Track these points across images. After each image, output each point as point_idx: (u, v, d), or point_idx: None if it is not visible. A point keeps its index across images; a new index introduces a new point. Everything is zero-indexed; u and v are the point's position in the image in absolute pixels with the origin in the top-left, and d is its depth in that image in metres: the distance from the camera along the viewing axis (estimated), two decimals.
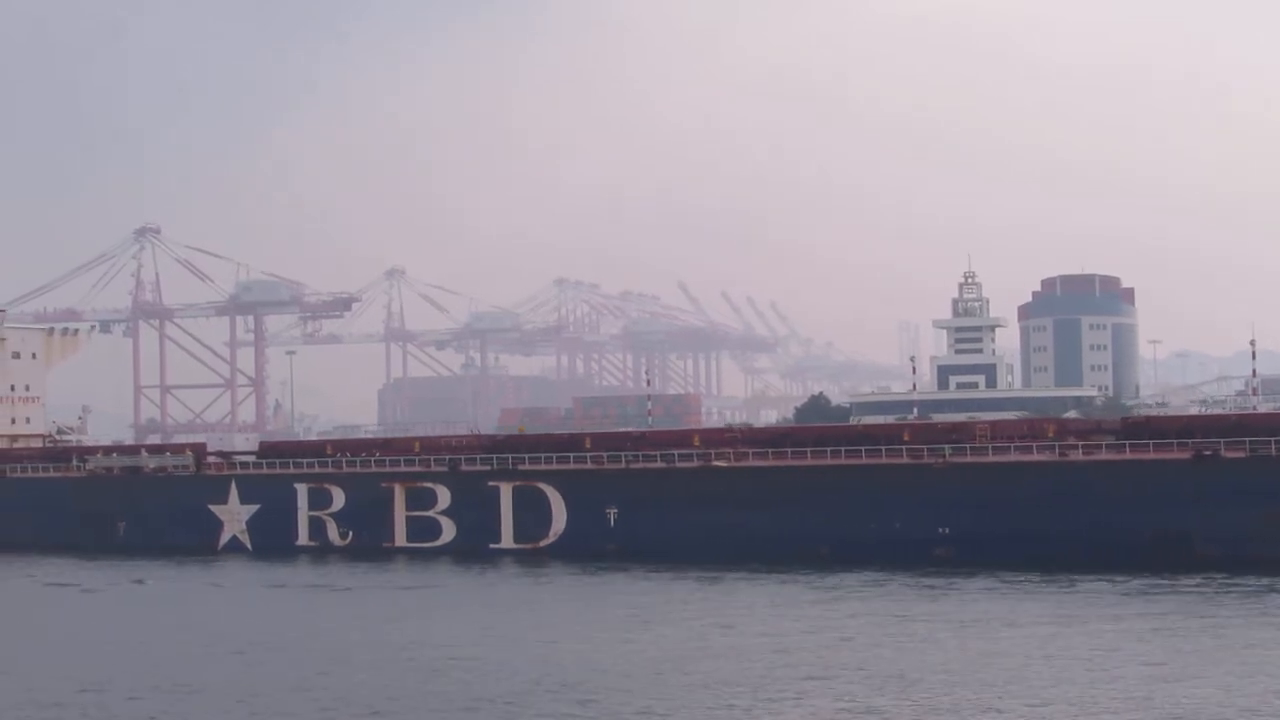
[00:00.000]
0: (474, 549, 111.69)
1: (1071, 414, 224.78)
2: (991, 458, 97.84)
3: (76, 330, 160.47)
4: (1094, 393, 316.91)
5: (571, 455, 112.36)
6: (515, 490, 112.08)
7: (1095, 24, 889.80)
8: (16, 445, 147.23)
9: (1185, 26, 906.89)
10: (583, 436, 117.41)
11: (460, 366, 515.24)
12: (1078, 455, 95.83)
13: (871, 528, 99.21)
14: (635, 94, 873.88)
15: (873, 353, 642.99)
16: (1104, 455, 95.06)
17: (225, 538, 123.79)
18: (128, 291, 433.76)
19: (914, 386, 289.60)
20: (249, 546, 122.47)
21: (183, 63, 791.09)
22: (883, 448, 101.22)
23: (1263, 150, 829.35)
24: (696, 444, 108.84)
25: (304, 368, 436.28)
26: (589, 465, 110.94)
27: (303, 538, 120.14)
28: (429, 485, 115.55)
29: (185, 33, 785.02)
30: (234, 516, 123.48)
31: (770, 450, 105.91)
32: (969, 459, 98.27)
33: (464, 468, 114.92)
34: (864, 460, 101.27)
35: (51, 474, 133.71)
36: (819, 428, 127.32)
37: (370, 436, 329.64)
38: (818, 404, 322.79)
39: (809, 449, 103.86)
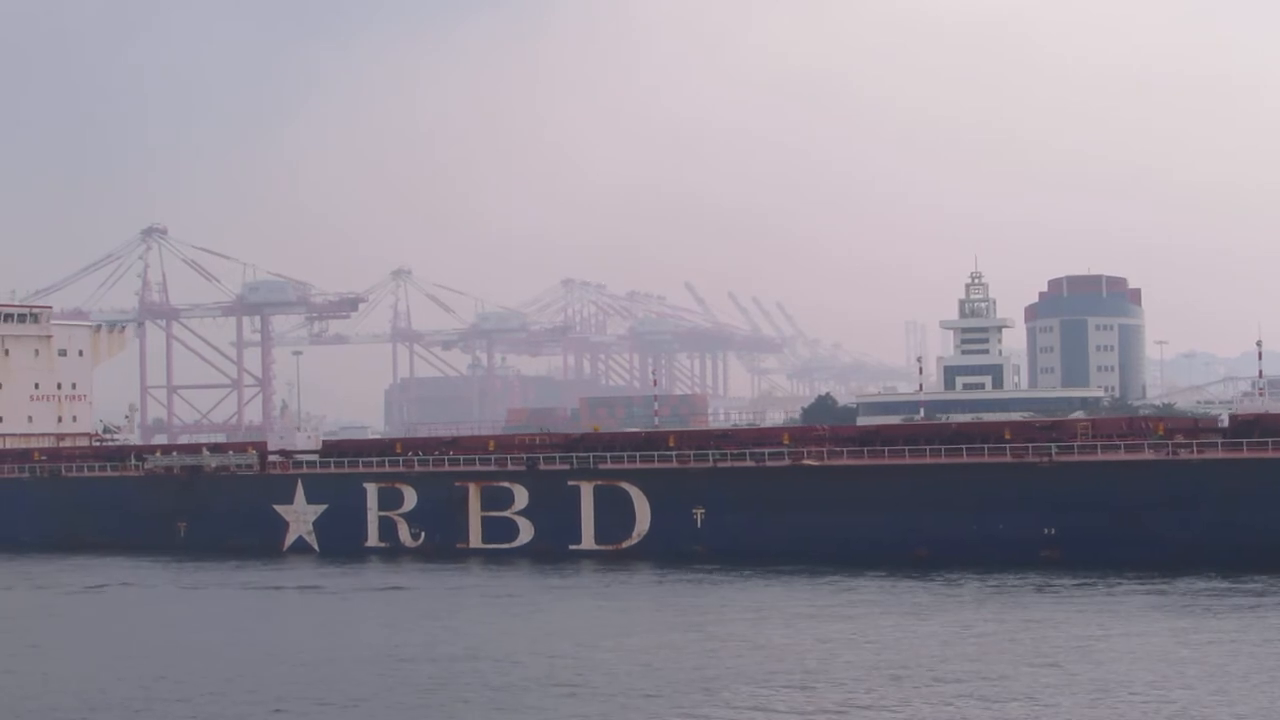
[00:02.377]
0: (553, 550, 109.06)
1: (1078, 414, 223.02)
2: (1101, 456, 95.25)
3: (124, 327, 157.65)
4: (1100, 393, 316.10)
5: (656, 454, 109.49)
6: (596, 490, 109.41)
7: (1104, 22, 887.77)
8: (64, 444, 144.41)
9: (1195, 25, 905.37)
10: (666, 434, 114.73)
11: (467, 367, 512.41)
12: (1190, 454, 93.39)
13: (973, 529, 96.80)
14: (644, 92, 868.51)
15: (879, 353, 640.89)
16: (1220, 454, 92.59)
17: (291, 538, 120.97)
18: (134, 292, 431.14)
19: (920, 387, 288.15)
20: (315, 547, 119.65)
21: (190, 62, 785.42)
22: (985, 447, 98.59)
23: (1272, 147, 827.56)
24: (786, 442, 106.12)
25: (310, 368, 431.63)
26: (674, 464, 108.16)
27: (373, 539, 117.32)
28: (505, 485, 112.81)
29: (193, 32, 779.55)
30: (300, 517, 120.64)
31: (866, 449, 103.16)
32: (1077, 457, 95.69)
33: (542, 466, 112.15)
34: (965, 459, 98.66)
35: (109, 473, 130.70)
36: (911, 426, 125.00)
37: (377, 438, 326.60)
38: (824, 404, 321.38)
39: (906, 447, 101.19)
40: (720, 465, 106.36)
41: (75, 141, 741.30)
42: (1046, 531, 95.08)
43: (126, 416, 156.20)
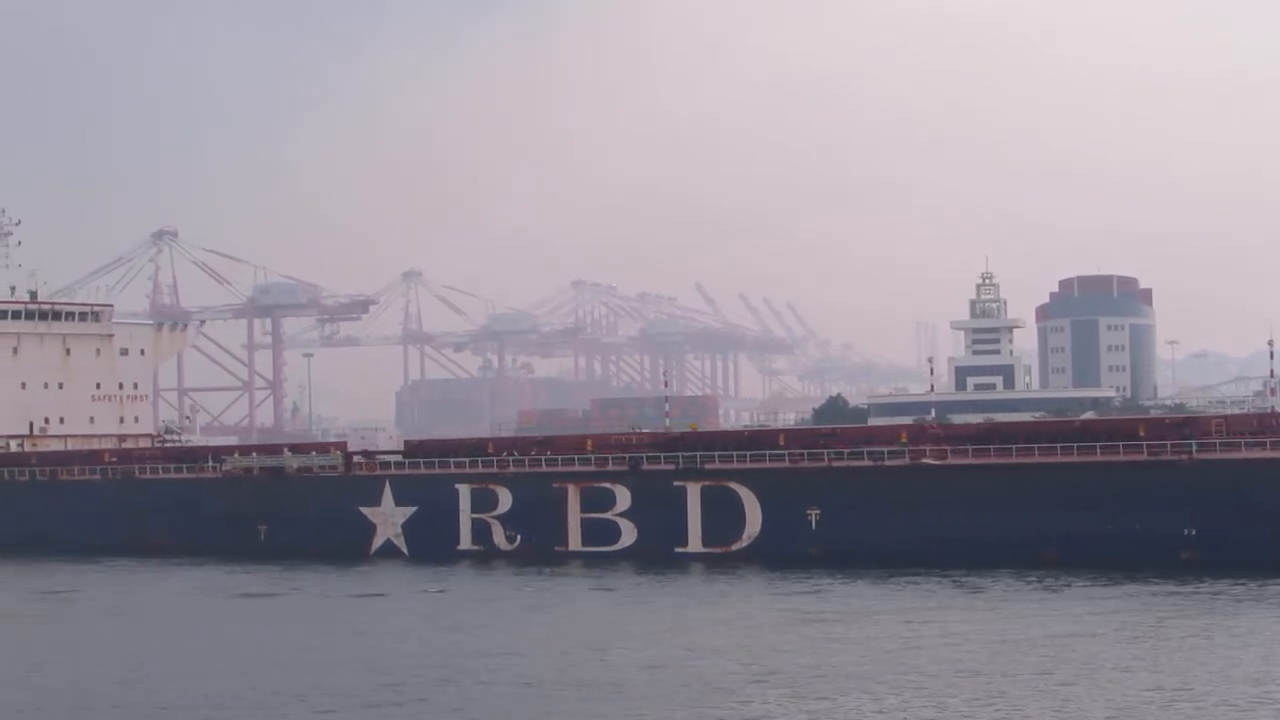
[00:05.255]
0: (657, 552, 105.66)
1: (1089, 415, 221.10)
2: (1245, 454, 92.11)
3: (185, 326, 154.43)
4: (1111, 394, 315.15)
5: (768, 454, 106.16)
6: (704, 490, 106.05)
7: (1106, 21, 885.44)
8: (125, 445, 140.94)
9: (1197, 24, 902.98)
10: (775, 433, 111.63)
11: (478, 368, 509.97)
12: None
13: (1108, 529, 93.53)
14: (653, 93, 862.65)
15: (891, 354, 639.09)
16: None
17: (378, 542, 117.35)
18: (145, 295, 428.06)
19: (931, 388, 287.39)
20: (405, 551, 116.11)
21: (199, 64, 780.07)
22: (1120, 444, 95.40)
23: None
24: (904, 440, 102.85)
25: (321, 370, 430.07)
26: (787, 464, 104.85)
27: (465, 541, 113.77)
28: (607, 485, 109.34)
29: (202, 34, 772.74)
30: (388, 519, 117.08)
31: (992, 448, 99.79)
32: (1219, 455, 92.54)
33: (646, 466, 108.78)
34: (1099, 457, 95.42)
35: (185, 475, 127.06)
36: (1031, 424, 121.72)
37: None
38: (835, 405, 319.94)
39: (1036, 446, 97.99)
40: (835, 464, 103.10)
41: (84, 143, 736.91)
42: (1186, 532, 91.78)
43: (188, 417, 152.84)
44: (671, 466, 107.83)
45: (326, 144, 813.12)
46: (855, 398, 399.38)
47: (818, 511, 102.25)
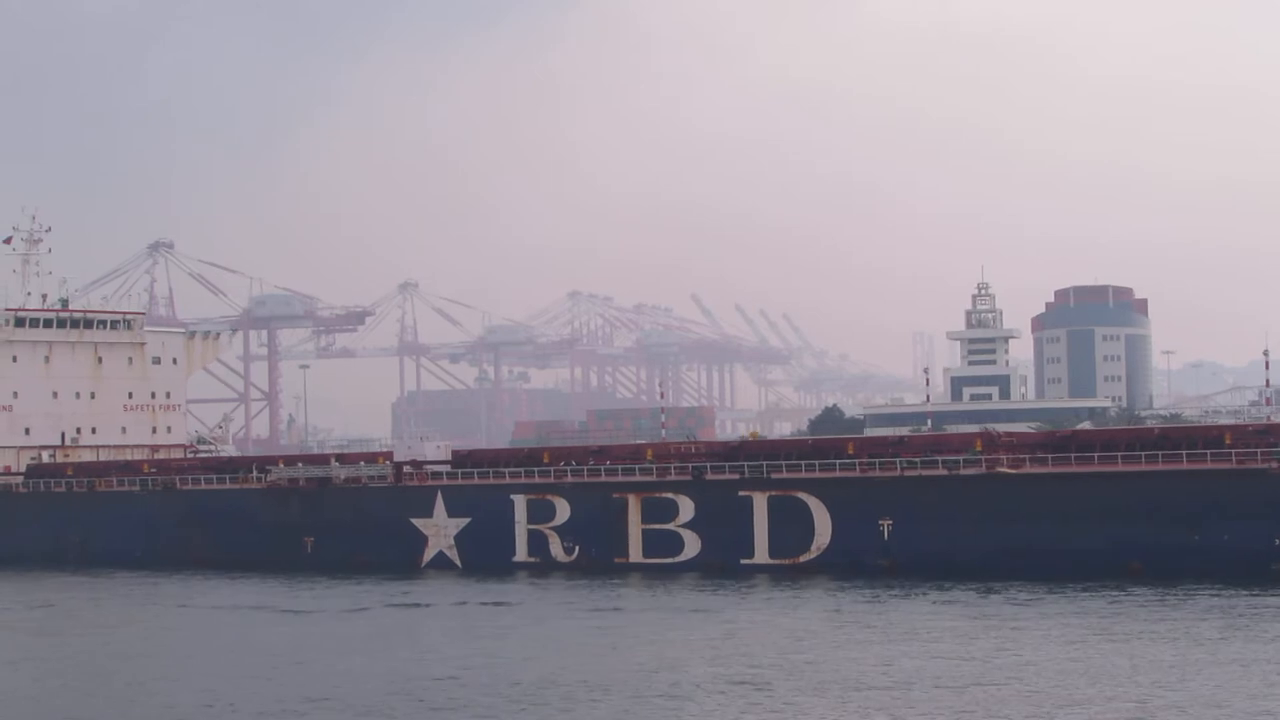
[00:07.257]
0: (722, 564, 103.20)
1: (1085, 425, 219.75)
2: None
3: (219, 334, 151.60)
4: (1108, 403, 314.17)
5: (838, 463, 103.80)
6: (770, 500, 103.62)
7: (1107, 28, 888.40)
8: (158, 456, 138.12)
9: (1202, 32, 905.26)
10: (845, 441, 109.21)
11: (474, 380, 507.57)
12: None
13: (1195, 540, 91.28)
14: (653, 103, 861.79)
15: (887, 364, 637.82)
16: None
17: (430, 554, 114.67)
18: (141, 307, 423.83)
19: (927, 398, 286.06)
20: (458, 563, 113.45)
21: (199, 76, 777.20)
22: (1207, 453, 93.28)
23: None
24: (979, 448, 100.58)
25: (317, 382, 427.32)
26: (857, 473, 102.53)
27: (521, 553, 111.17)
28: (669, 496, 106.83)
29: (203, 46, 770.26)
30: (440, 531, 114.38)
31: (1072, 456, 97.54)
32: None
33: (710, 476, 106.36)
34: (1185, 465, 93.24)
35: (228, 485, 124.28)
36: (1108, 431, 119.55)
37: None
38: (831, 416, 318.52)
39: (1119, 453, 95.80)
40: (908, 474, 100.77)
41: (85, 154, 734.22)
42: (1278, 543, 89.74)
43: (220, 427, 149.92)
44: (736, 476, 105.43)
45: (326, 152, 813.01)
46: (851, 408, 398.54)
47: (890, 522, 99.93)
